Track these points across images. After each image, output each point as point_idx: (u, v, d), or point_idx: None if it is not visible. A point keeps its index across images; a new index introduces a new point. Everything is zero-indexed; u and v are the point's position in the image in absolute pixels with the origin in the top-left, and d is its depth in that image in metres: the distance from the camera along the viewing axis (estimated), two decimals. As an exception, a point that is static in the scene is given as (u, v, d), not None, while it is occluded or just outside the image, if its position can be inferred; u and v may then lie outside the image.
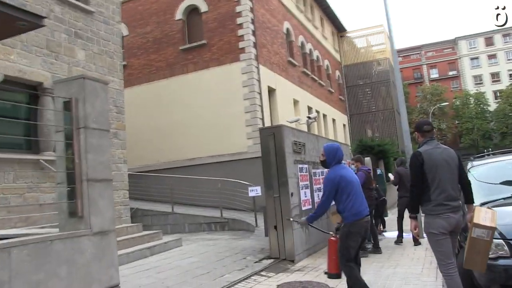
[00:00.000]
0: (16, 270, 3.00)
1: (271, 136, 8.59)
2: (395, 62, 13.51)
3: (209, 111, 18.08)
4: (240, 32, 18.48)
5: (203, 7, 19.31)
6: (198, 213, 14.15)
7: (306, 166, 9.48)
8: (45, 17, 5.55)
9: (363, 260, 7.29)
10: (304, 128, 17.19)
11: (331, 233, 5.49)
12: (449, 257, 4.33)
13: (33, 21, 5.02)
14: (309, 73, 25.92)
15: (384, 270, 7.04)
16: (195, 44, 19.22)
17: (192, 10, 19.86)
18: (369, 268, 7.13)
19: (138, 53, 20.44)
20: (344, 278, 5.13)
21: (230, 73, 18.37)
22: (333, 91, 31.59)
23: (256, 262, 8.10)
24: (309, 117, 14.91)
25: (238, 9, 18.58)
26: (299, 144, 9.24)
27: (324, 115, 28.38)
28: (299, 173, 9.05)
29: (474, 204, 4.63)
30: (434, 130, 5.16)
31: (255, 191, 11.70)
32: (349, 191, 5.01)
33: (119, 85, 10.79)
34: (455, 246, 4.52)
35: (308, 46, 26.60)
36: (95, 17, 10.06)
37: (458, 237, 4.80)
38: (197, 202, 15.44)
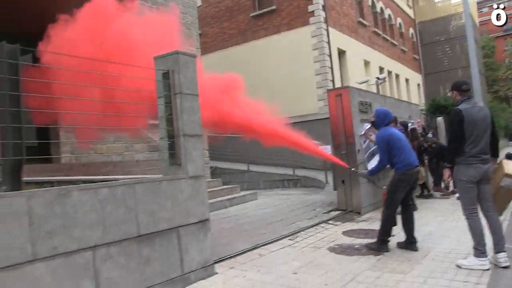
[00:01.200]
0: (139, 200, 4.03)
1: (339, 97, 9.20)
2: (466, 15, 13.26)
3: (281, 75, 18.76)
4: (309, -5, 18.83)
5: (272, -28, 19.76)
6: (271, 171, 15.09)
7: (370, 125, 10.00)
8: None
9: (427, 213, 8.06)
10: (374, 88, 17.47)
11: (384, 187, 6.20)
12: (473, 203, 4.89)
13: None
14: (380, 32, 25.71)
15: (448, 223, 7.39)
16: (265, 10, 19.82)
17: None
18: (433, 221, 7.60)
19: (211, 22, 21.37)
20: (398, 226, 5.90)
21: (300, 37, 18.86)
22: (406, 50, 31.00)
23: (324, 213, 8.87)
24: (378, 78, 15.20)
25: (306, -28, 18.87)
26: (366, 104, 9.76)
27: (397, 75, 28.13)
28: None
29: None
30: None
31: (326, 149, 12.36)
32: (398, 146, 5.81)
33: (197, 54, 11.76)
34: (486, 192, 4.99)
35: (379, 5, 26.27)
36: (173, -9, 11.01)
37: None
38: (271, 161, 16.32)
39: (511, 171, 4.85)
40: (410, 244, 5.78)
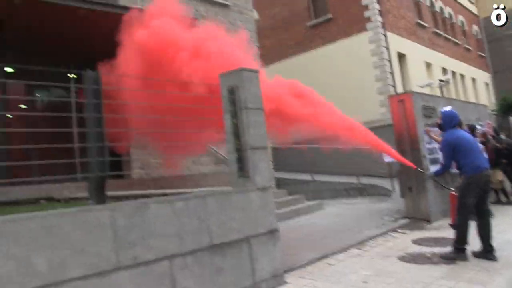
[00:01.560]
0: (210, 211, 4.23)
1: (401, 103, 9.12)
2: None
3: (340, 82, 18.69)
4: (364, 1, 18.77)
5: (326, -18, 19.86)
6: (336, 180, 15.05)
7: (437, 129, 9.81)
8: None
9: (505, 219, 7.90)
10: (438, 91, 17.05)
11: (452, 189, 6.06)
12: None
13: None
14: (441, 33, 25.07)
15: None
16: (321, 19, 19.94)
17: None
18: (511, 228, 7.37)
19: (268, 34, 21.68)
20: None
21: (357, 43, 18.80)
22: (470, 48, 29.94)
23: (392, 221, 8.78)
24: (441, 80, 14.84)
25: (360, -22, 18.82)
26: (429, 108, 9.60)
27: (462, 75, 27.21)
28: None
29: None
30: None
31: (389, 157, 12.20)
32: (466, 148, 5.68)
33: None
34: None
35: (438, 4, 25.64)
36: (231, 9, 11.35)
37: None
38: (334, 171, 16.26)
39: None
40: (487, 253, 5.56)
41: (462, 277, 4.85)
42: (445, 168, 6.07)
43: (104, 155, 3.76)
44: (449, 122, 5.99)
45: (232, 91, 4.76)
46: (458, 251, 5.61)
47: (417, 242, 6.89)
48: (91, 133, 3.66)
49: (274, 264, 4.91)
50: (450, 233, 6.82)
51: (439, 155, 9.20)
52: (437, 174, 6.63)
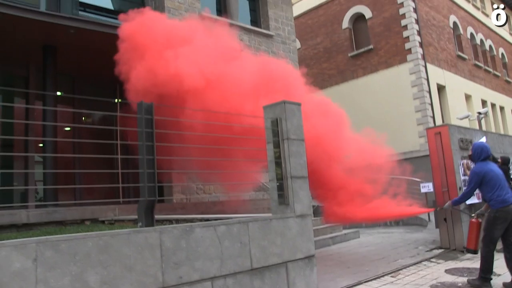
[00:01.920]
0: (252, 236, 4.43)
1: (438, 135, 9.19)
2: None
3: (380, 112, 18.80)
4: (405, 33, 18.93)
5: (368, 14, 20.14)
6: (372, 209, 14.98)
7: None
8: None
9: None
10: (476, 123, 16.91)
11: (473, 215, 6.49)
12: None
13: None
14: (481, 65, 24.90)
15: None
16: (362, 50, 20.18)
17: (358, 18, 20.86)
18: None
19: (310, 63, 22.07)
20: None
21: (398, 74, 18.94)
22: (511, 81, 29.52)
23: (427, 251, 8.77)
24: (479, 113, 14.76)
25: (401, 11, 19.05)
26: (466, 141, 9.62)
27: (501, 108, 26.81)
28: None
29: None
30: None
31: (427, 187, 12.12)
32: (494, 183, 5.91)
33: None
34: None
35: (479, 37, 25.54)
36: (275, 40, 11.73)
37: None
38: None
39: None
40: None
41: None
42: (464, 197, 6.51)
43: (154, 181, 4.03)
44: (478, 155, 6.24)
45: (275, 123, 5.00)
46: (484, 280, 5.83)
47: (450, 271, 6.94)
48: (144, 159, 3.94)
49: (311, 289, 5.04)
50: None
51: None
52: (455, 203, 6.99)
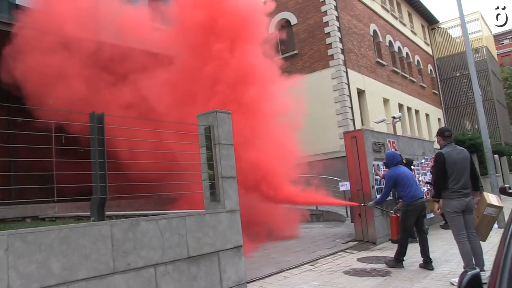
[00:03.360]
0: (188, 229, 5.17)
1: (354, 139, 10.29)
2: (468, 51, 13.78)
3: (305, 115, 19.88)
4: (328, 40, 20.21)
5: (293, 20, 21.28)
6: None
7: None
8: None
9: (437, 241, 9.29)
10: (390, 127, 18.46)
11: (391, 211, 7.47)
12: (461, 229, 5.89)
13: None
14: (399, 71, 26.82)
15: (452, 250, 8.10)
16: (287, 54, 21.22)
17: (284, 23, 21.90)
18: (440, 248, 8.56)
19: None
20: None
21: (321, 78, 20.13)
22: (425, 86, 31.95)
23: (343, 243, 9.84)
24: (393, 117, 16.25)
25: (325, 19, 20.29)
26: (379, 144, 10.81)
27: (416, 111, 29.00)
28: (381, 169, 10.65)
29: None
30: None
31: (345, 186, 13.30)
32: (405, 182, 7.21)
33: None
34: (470, 220, 6.00)
35: (397, 44, 27.47)
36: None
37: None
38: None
39: (492, 202, 5.92)
40: (426, 263, 6.94)
41: (391, 285, 6.01)
42: (383, 197, 7.74)
43: (105, 181, 4.66)
44: (391, 161, 7.59)
45: (208, 129, 5.75)
46: (397, 261, 7.10)
47: (361, 260, 7.99)
48: (96, 162, 4.56)
49: (239, 275, 5.84)
50: (391, 253, 7.96)
51: (383, 186, 10.45)
52: (377, 203, 8.29)
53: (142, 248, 4.72)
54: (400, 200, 7.80)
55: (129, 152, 5.51)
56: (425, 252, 7.00)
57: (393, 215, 7.84)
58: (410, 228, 7.32)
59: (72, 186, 5.05)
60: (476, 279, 1.86)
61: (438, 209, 6.27)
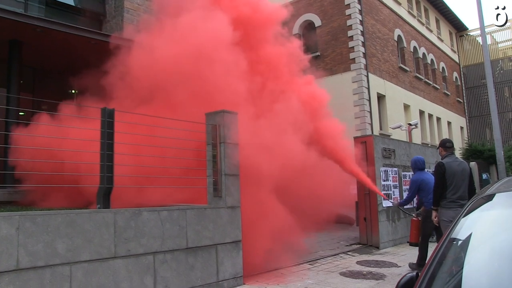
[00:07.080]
0: (189, 221, 5.47)
1: (363, 144, 10.46)
2: (486, 58, 13.50)
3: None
4: (351, 44, 20.25)
5: (317, 22, 21.42)
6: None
7: (395, 169, 11.17)
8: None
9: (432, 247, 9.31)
10: (406, 134, 18.49)
11: (413, 214, 8.07)
12: None
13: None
14: (422, 77, 26.65)
15: None
16: (310, 55, 21.36)
17: (308, 25, 22.07)
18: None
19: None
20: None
21: (341, 82, 20.21)
22: (449, 93, 31.63)
23: (346, 245, 10.02)
24: (409, 124, 16.29)
25: (349, 22, 20.34)
26: (389, 150, 10.95)
27: (438, 118, 28.79)
28: (390, 175, 10.80)
29: None
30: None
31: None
32: (428, 188, 7.47)
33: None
34: None
35: (421, 51, 27.28)
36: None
37: None
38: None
39: None
40: (418, 266, 7.24)
41: (382, 288, 6.18)
42: (408, 201, 8.14)
43: (112, 172, 4.99)
44: (414, 166, 8.03)
45: (214, 128, 6.04)
46: (419, 265, 7.38)
47: (360, 263, 8.18)
48: (104, 154, 4.89)
49: (236, 268, 6.13)
50: (391, 258, 8.17)
51: (391, 192, 10.63)
52: (401, 204, 8.77)
53: (143, 236, 5.04)
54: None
55: (136, 146, 5.81)
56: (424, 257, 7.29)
57: (414, 218, 7.96)
58: (429, 233, 7.54)
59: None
60: (410, 282, 2.12)
61: (435, 217, 6.44)
